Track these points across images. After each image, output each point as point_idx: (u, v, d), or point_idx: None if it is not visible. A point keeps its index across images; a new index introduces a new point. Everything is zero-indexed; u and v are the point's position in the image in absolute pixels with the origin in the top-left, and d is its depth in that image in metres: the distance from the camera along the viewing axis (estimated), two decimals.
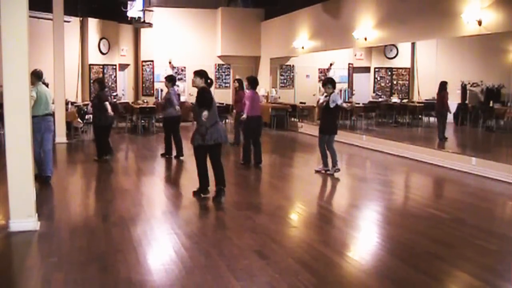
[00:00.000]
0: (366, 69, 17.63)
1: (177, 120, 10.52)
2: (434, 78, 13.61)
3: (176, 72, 17.79)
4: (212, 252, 4.74)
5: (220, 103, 15.27)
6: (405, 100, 16.15)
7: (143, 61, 18.15)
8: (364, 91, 17.21)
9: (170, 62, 17.70)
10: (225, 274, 4.21)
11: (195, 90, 6.87)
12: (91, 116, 11.92)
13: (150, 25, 17.27)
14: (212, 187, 6.92)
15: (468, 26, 9.11)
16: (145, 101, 16.15)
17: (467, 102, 14.57)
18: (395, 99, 16.08)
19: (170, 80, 10.50)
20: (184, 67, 17.86)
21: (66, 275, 4.19)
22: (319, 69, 17.52)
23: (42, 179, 7.56)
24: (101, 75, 16.28)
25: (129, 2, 16.24)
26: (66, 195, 7.26)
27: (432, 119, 14.87)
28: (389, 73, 17.32)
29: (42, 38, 13.25)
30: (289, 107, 16.19)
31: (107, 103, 9.52)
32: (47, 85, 8.60)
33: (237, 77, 16.61)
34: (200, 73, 6.82)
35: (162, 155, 10.49)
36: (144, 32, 17.93)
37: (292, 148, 12.89)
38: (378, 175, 9.22)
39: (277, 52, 17.07)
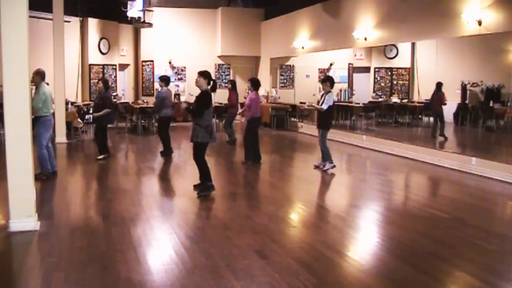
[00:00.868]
0: (366, 69, 17.64)
1: (170, 120, 10.99)
2: (434, 78, 13.62)
3: (176, 72, 17.80)
4: (212, 252, 4.74)
5: (220, 103, 15.30)
6: (405, 100, 16.15)
7: (143, 61, 18.15)
8: (364, 91, 17.21)
9: (170, 62, 17.70)
10: (225, 274, 4.21)
11: (195, 90, 7.10)
12: (91, 116, 11.95)
13: (150, 25, 17.26)
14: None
15: (468, 26, 9.11)
16: (145, 101, 16.16)
17: (467, 102, 14.58)
18: (395, 99, 16.08)
19: (164, 80, 10.64)
20: (184, 67, 17.86)
21: (66, 275, 4.19)
22: (319, 69, 17.52)
23: (49, 175, 7.87)
24: (101, 75, 16.29)
25: (129, 2, 16.23)
26: (66, 195, 7.26)
27: (432, 119, 14.88)
28: (389, 73, 17.33)
29: (42, 38, 13.25)
30: (289, 107, 16.20)
31: (107, 110, 9.70)
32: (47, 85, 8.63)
33: (230, 78, 16.69)
34: (205, 74, 6.97)
35: (162, 153, 10.57)
36: (144, 32, 17.92)
37: (292, 148, 12.89)
38: (378, 175, 9.22)
39: (277, 52, 17.07)
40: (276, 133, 15.30)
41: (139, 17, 16.62)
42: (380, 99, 16.42)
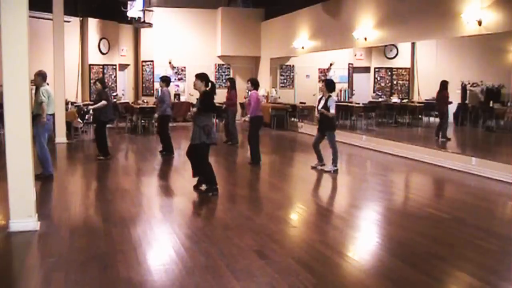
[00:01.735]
0: (366, 69, 17.66)
1: (170, 119, 11.08)
2: (434, 78, 13.63)
3: (176, 72, 17.80)
4: (212, 252, 4.74)
5: (219, 103, 15.29)
6: (405, 100, 16.17)
7: (143, 61, 18.15)
8: (364, 91, 17.23)
9: (170, 62, 17.70)
10: (225, 274, 4.21)
11: (196, 90, 7.13)
12: (90, 116, 11.97)
13: (150, 25, 17.26)
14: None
15: (468, 26, 9.11)
16: (145, 101, 16.15)
17: (467, 102, 14.60)
18: (395, 99, 16.10)
19: (164, 81, 10.72)
20: (184, 67, 17.86)
21: (66, 275, 4.18)
22: (319, 69, 17.54)
23: (46, 177, 7.88)
24: (101, 75, 16.28)
25: (129, 2, 16.23)
26: (66, 195, 7.26)
27: (432, 119, 14.90)
28: (389, 73, 17.34)
29: (42, 38, 13.25)
30: (289, 107, 16.20)
31: (104, 102, 9.66)
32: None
33: (229, 76, 16.71)
34: (201, 76, 7.01)
35: (161, 152, 10.61)
36: (144, 32, 17.92)
37: (292, 148, 12.89)
38: (378, 175, 9.22)
39: (277, 52, 17.07)
40: (276, 133, 15.30)
41: (139, 17, 16.62)
42: (380, 99, 16.43)
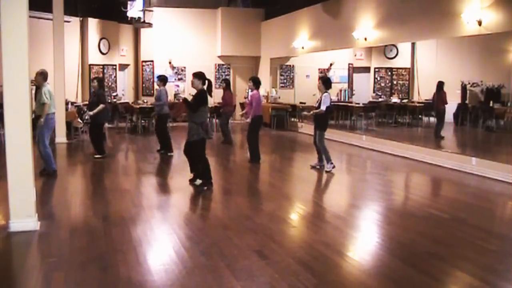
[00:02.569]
0: (366, 69, 17.64)
1: (168, 118, 11.35)
2: (434, 78, 13.62)
3: (176, 72, 17.80)
4: (212, 252, 4.74)
5: (220, 103, 15.29)
6: (405, 100, 16.15)
7: (143, 61, 18.15)
8: (364, 91, 17.21)
9: (170, 62, 17.70)
10: (225, 274, 4.21)
11: (195, 90, 7.41)
12: (88, 116, 11.97)
13: (150, 25, 17.26)
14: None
15: (468, 26, 9.11)
16: (145, 101, 16.14)
17: (467, 102, 14.59)
18: (395, 99, 16.08)
19: (161, 80, 10.81)
20: (184, 67, 17.86)
21: (66, 275, 4.18)
22: (319, 69, 17.53)
23: (50, 173, 8.08)
24: (101, 75, 16.28)
25: (129, 2, 16.23)
26: (66, 195, 7.26)
27: (432, 119, 14.88)
28: (389, 73, 17.33)
29: (42, 38, 13.25)
30: (289, 107, 16.20)
31: (102, 105, 9.82)
32: None
33: (229, 78, 16.75)
34: (198, 75, 7.34)
35: (159, 151, 10.63)
36: (144, 32, 17.93)
37: (292, 148, 12.89)
38: (378, 175, 9.22)
39: (277, 52, 17.07)
40: (276, 133, 15.31)
41: (139, 17, 16.63)
42: (380, 99, 16.42)
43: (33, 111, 7.76)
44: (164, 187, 8.08)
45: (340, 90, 16.97)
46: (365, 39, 12.25)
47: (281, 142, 13.87)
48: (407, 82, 17.22)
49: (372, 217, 6.29)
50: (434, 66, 15.69)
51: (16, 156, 5.24)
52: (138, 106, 14.88)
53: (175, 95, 17.08)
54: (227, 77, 18.03)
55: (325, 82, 8.76)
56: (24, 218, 5.27)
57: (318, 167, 9.02)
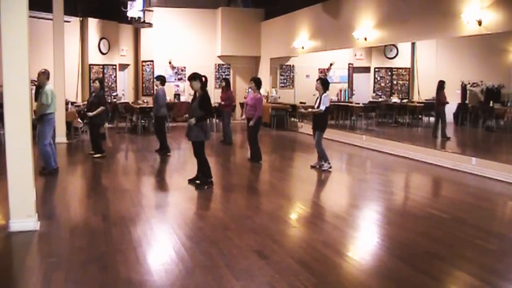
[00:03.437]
0: (366, 69, 17.64)
1: (165, 119, 11.40)
2: (434, 78, 13.61)
3: (176, 72, 17.79)
4: (212, 252, 4.74)
5: (222, 104, 15.27)
6: (405, 100, 16.15)
7: (143, 61, 18.14)
8: (364, 91, 17.20)
9: (170, 62, 17.70)
10: (225, 274, 4.21)
11: (195, 91, 7.49)
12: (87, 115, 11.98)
13: (150, 25, 17.26)
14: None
15: (468, 26, 9.11)
16: (145, 101, 16.16)
17: (467, 102, 14.59)
18: (395, 99, 16.08)
19: (160, 80, 10.85)
20: (184, 67, 17.85)
21: (66, 275, 4.19)
22: (319, 69, 17.52)
23: (51, 171, 8.15)
24: (101, 75, 16.28)
25: (129, 2, 16.22)
26: (66, 195, 7.26)
27: (432, 119, 14.89)
28: (389, 73, 17.33)
29: (42, 38, 13.25)
30: (289, 107, 16.20)
31: (103, 108, 9.93)
32: None
33: (229, 78, 16.75)
34: (194, 77, 7.41)
35: (158, 151, 10.63)
36: (144, 32, 17.92)
37: (292, 148, 12.89)
38: (378, 175, 9.22)
39: (277, 52, 17.07)
40: (276, 133, 15.30)
41: (139, 17, 16.61)
42: (380, 99, 16.41)
43: (33, 111, 7.78)
44: (164, 187, 8.08)
45: (340, 90, 16.97)
46: (365, 39, 12.25)
47: (281, 142, 13.87)
48: (407, 82, 17.22)
49: (372, 217, 6.30)
50: (434, 66, 15.69)
51: (16, 156, 5.24)
52: (138, 106, 14.88)
53: (175, 95, 17.19)
54: (227, 77, 18.02)
55: (324, 83, 8.78)
56: (24, 218, 5.27)
57: (318, 166, 9.03)
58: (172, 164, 10.04)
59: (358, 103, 15.50)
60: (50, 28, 12.48)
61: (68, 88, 13.52)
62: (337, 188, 8.25)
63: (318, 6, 14.36)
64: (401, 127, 15.23)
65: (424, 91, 15.82)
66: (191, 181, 7.70)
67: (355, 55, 17.51)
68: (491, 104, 13.24)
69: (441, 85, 12.00)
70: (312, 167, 9.12)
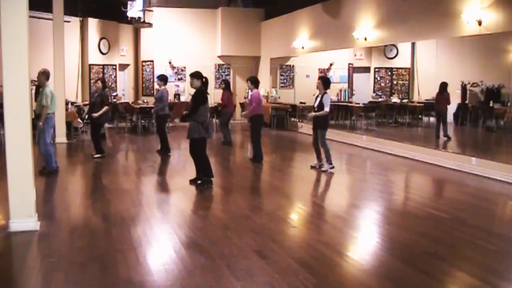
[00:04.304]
0: (366, 69, 17.67)
1: (167, 118, 11.34)
2: (434, 78, 13.64)
3: (176, 72, 17.80)
4: (212, 252, 4.74)
5: (219, 104, 15.29)
6: (405, 100, 16.17)
7: (143, 61, 18.15)
8: (364, 91, 17.23)
9: (170, 62, 17.70)
10: (225, 274, 4.21)
11: (193, 88, 7.51)
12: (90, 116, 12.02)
13: (150, 25, 17.26)
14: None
15: (468, 26, 9.11)
16: (145, 101, 16.15)
17: (467, 102, 14.60)
18: (395, 99, 16.10)
19: (162, 79, 10.73)
20: (184, 67, 17.85)
21: (66, 275, 4.19)
22: (319, 69, 17.54)
23: (51, 172, 8.16)
24: (101, 75, 16.28)
25: (129, 2, 16.23)
26: (66, 195, 7.26)
27: (432, 119, 14.90)
28: (389, 73, 17.34)
29: (42, 38, 13.25)
30: (289, 107, 16.20)
31: (106, 107, 9.90)
32: None
33: (229, 78, 16.75)
34: (196, 75, 7.42)
35: (159, 152, 10.62)
36: (144, 32, 17.92)
37: (292, 148, 12.89)
38: (378, 175, 9.22)
39: (277, 52, 17.08)
40: (276, 133, 15.31)
41: (139, 17, 16.62)
42: (380, 99, 16.43)
43: (33, 110, 7.78)
44: (164, 187, 8.08)
45: (340, 90, 16.98)
46: (365, 39, 12.25)
47: (281, 142, 13.87)
48: (407, 82, 17.23)
49: (372, 217, 6.30)
50: (434, 66, 15.71)
51: (16, 156, 5.24)
52: (138, 106, 14.89)
53: (175, 95, 17.18)
54: (227, 77, 18.03)
55: (325, 82, 8.78)
56: (24, 218, 5.27)
57: (318, 167, 9.02)
58: (172, 164, 10.05)
59: (358, 103, 15.51)
60: (50, 28, 12.47)
61: (68, 88, 13.51)
62: (337, 188, 8.25)
63: (318, 6, 14.36)
64: (401, 127, 15.24)
65: (424, 91, 15.84)
66: (192, 182, 7.68)
67: (355, 55, 17.54)
68: (491, 104, 13.26)
69: (443, 86, 11.98)
70: (312, 167, 9.12)
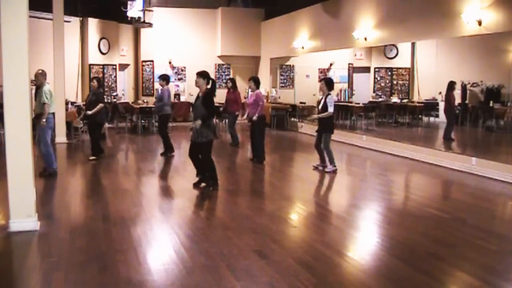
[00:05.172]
0: (366, 69, 17.65)
1: (169, 118, 11.19)
2: (434, 78, 13.63)
3: (176, 72, 17.80)
4: (212, 252, 4.74)
5: (219, 103, 15.29)
6: (405, 100, 16.16)
7: (143, 61, 18.15)
8: (364, 91, 17.21)
9: (170, 62, 17.70)
10: (225, 274, 4.21)
11: (195, 90, 7.42)
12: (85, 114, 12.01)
13: (150, 25, 17.26)
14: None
15: (468, 26, 9.11)
16: (145, 101, 16.16)
17: (467, 102, 14.59)
18: (395, 99, 16.09)
19: (164, 79, 10.68)
20: (184, 67, 17.86)
21: (66, 275, 4.19)
22: (319, 69, 17.53)
23: (53, 173, 8.15)
24: (101, 75, 16.28)
25: (129, 2, 16.23)
26: (66, 195, 7.26)
27: (432, 119, 14.90)
28: (389, 73, 17.33)
29: (42, 38, 13.25)
30: (289, 107, 16.20)
31: (101, 105, 9.85)
32: None
33: (230, 77, 16.70)
34: (203, 74, 7.20)
35: (163, 154, 10.57)
36: (144, 32, 17.92)
37: (292, 148, 12.89)
38: (378, 175, 9.22)
39: (277, 52, 17.07)
40: (276, 133, 15.30)
41: (139, 17, 16.62)
42: (380, 99, 16.42)
43: (33, 110, 7.77)
44: (164, 187, 8.08)
45: (340, 90, 16.96)
46: (365, 39, 12.25)
47: (281, 142, 13.86)
48: (407, 82, 17.22)
49: (372, 217, 6.30)
50: (434, 66, 15.70)
51: (16, 156, 5.24)
52: (138, 106, 14.89)
53: (175, 95, 17.18)
54: (227, 77, 18.02)
55: (328, 84, 8.68)
56: (24, 218, 5.27)
57: (321, 168, 8.96)
58: (173, 164, 10.04)
59: (358, 103, 15.50)
60: (50, 28, 12.48)
61: (68, 88, 13.52)
62: (337, 188, 8.25)
63: (318, 6, 14.36)
64: (401, 127, 15.23)
65: (424, 91, 15.83)
66: (196, 186, 7.49)
67: (355, 55, 17.52)
68: (491, 104, 13.25)
69: (450, 85, 11.93)
70: (315, 168, 9.05)
